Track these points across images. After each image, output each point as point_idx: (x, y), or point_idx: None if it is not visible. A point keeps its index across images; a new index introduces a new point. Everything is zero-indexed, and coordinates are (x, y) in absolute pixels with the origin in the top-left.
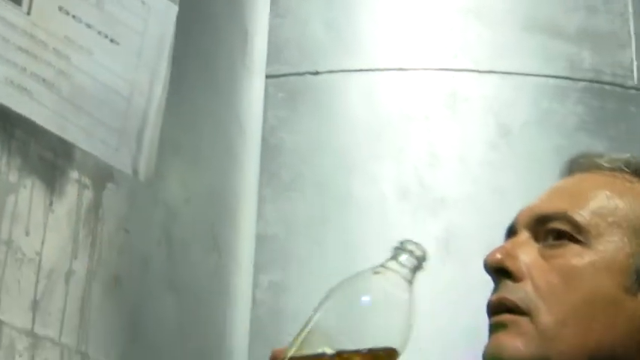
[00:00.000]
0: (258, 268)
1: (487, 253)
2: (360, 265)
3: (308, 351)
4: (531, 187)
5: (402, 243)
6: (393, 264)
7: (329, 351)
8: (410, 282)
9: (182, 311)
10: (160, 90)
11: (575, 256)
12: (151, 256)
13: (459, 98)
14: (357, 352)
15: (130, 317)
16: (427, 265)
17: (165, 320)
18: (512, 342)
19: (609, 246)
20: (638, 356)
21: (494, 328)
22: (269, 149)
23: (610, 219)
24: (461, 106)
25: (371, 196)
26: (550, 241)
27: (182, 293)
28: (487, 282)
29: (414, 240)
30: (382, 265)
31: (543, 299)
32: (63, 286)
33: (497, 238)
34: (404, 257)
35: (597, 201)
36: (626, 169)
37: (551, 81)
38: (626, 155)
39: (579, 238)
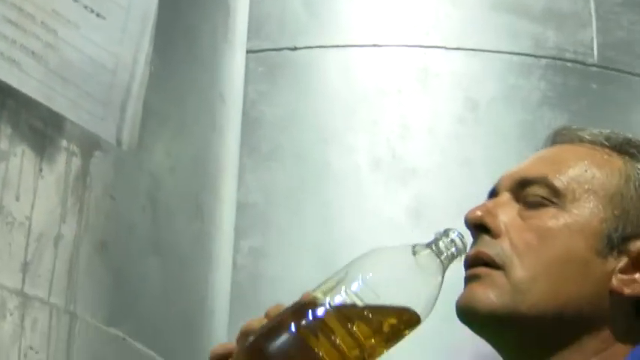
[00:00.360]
0: (238, 234)
1: (455, 220)
2: (335, 231)
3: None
4: (497, 158)
5: (446, 231)
6: (433, 247)
7: (359, 302)
8: (444, 268)
9: (166, 275)
10: (142, 63)
11: (551, 218)
12: (137, 222)
13: (430, 74)
14: (390, 309)
15: (115, 280)
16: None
17: (150, 283)
18: (484, 293)
19: (584, 211)
20: (604, 314)
21: (468, 280)
22: (249, 122)
23: (586, 186)
24: (432, 81)
25: (346, 167)
26: (529, 203)
27: (166, 257)
28: None
29: (459, 231)
30: (423, 245)
31: (518, 255)
32: (52, 250)
33: (465, 206)
34: (445, 244)
35: (576, 169)
36: (606, 144)
37: (517, 58)
38: (607, 131)
39: (556, 201)
